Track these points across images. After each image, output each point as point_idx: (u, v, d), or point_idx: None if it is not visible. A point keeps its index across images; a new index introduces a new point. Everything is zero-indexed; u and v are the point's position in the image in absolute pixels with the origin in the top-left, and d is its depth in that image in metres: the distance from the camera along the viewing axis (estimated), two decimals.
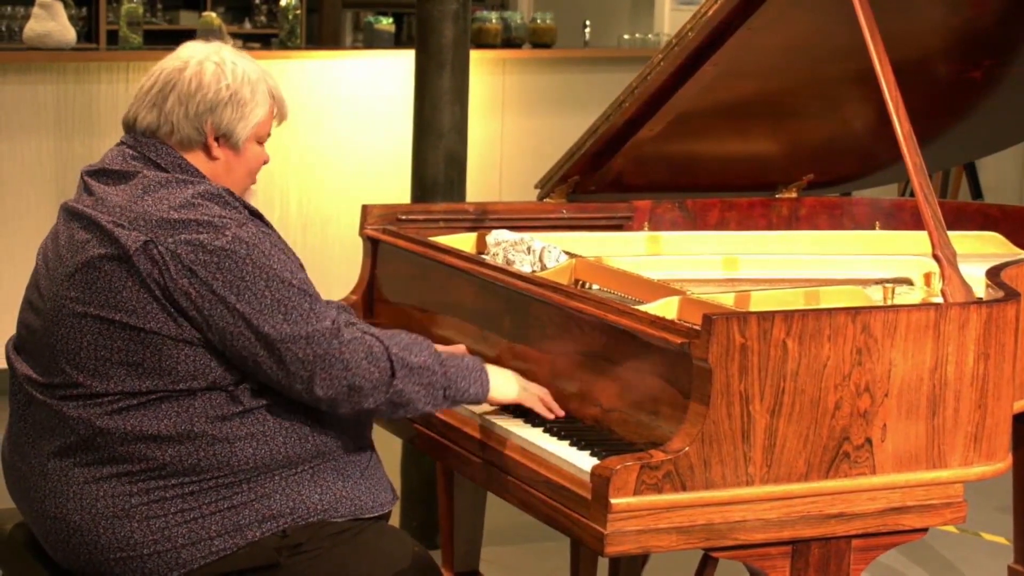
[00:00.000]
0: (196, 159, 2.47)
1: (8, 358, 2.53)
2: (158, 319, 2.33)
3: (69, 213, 2.47)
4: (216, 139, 2.47)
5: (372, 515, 2.49)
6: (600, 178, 3.37)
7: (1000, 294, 2.49)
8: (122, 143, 2.51)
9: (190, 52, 2.49)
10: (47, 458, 2.41)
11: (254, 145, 2.52)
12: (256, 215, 2.45)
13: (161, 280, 2.32)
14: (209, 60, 2.47)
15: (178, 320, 2.33)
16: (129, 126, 2.50)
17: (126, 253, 2.33)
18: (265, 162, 2.57)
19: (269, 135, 2.55)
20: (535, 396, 2.55)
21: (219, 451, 2.36)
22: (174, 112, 2.45)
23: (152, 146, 2.46)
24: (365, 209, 3.19)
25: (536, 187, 3.43)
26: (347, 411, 2.41)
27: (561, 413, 2.54)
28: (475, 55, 4.92)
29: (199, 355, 2.35)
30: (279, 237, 2.44)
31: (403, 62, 5.84)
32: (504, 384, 2.55)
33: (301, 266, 2.45)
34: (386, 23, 6.67)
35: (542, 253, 2.95)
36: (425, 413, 2.50)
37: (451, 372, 2.47)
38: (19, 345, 2.52)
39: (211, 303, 2.32)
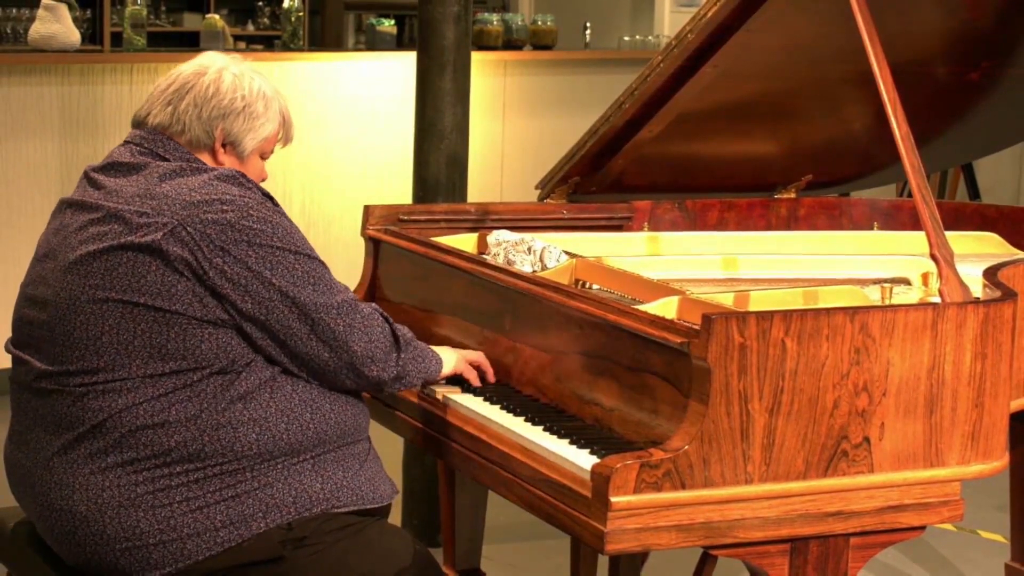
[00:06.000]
0: (203, 160, 2.53)
1: (11, 356, 2.55)
2: (184, 300, 2.37)
3: (75, 205, 2.50)
4: (223, 145, 2.54)
5: (374, 505, 2.51)
6: (600, 179, 3.39)
7: (997, 294, 2.50)
8: (128, 141, 2.56)
9: (211, 60, 2.57)
10: (53, 451, 2.43)
11: (257, 159, 2.60)
12: (268, 196, 2.51)
13: (194, 261, 2.37)
14: (228, 70, 2.55)
15: (204, 300, 2.38)
16: (140, 122, 2.56)
17: (154, 241, 2.37)
18: (263, 180, 2.63)
19: (272, 153, 2.63)
20: (468, 366, 2.72)
21: (223, 436, 2.39)
22: (188, 112, 2.51)
23: (161, 142, 2.52)
24: (367, 209, 3.21)
25: (537, 188, 3.44)
26: (362, 383, 2.51)
27: (492, 380, 2.72)
28: (476, 57, 4.94)
29: (220, 335, 2.39)
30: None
31: (405, 64, 5.86)
32: (450, 360, 2.70)
33: None
34: (388, 25, 6.69)
35: (543, 253, 2.96)
36: (410, 387, 2.65)
37: (421, 346, 2.63)
38: (20, 342, 2.54)
39: (247, 279, 2.39)
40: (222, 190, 2.43)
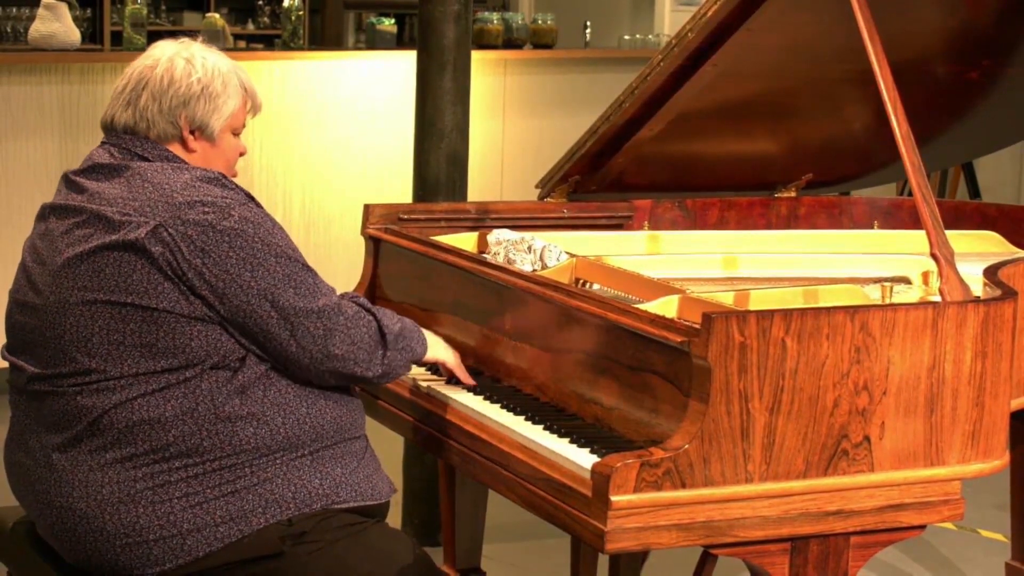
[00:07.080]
0: (176, 151, 2.54)
1: (8, 361, 2.56)
2: (170, 298, 2.37)
3: (59, 210, 2.51)
4: (192, 132, 2.54)
5: (373, 502, 2.52)
6: (600, 178, 3.39)
7: (997, 293, 2.50)
8: (104, 143, 2.56)
9: (160, 51, 2.56)
10: (52, 449, 2.43)
11: (229, 136, 2.58)
12: (250, 197, 2.51)
13: (173, 261, 2.37)
14: (179, 56, 2.54)
15: (190, 298, 2.38)
16: (108, 126, 2.57)
17: (137, 239, 2.37)
18: (242, 154, 2.63)
19: (244, 126, 2.62)
20: (459, 362, 2.72)
21: (221, 430, 2.39)
22: (148, 108, 2.51)
23: (135, 142, 2.52)
24: (367, 208, 3.21)
25: (537, 187, 3.44)
26: (345, 381, 2.52)
27: (472, 383, 2.71)
28: (477, 56, 4.94)
29: (210, 331, 2.40)
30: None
31: (405, 63, 5.86)
32: (435, 344, 2.70)
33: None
34: (388, 24, 6.69)
35: (543, 252, 2.97)
36: (397, 378, 2.66)
37: (408, 331, 2.61)
38: (14, 347, 2.55)
39: (226, 281, 2.38)
40: (204, 191, 2.43)
